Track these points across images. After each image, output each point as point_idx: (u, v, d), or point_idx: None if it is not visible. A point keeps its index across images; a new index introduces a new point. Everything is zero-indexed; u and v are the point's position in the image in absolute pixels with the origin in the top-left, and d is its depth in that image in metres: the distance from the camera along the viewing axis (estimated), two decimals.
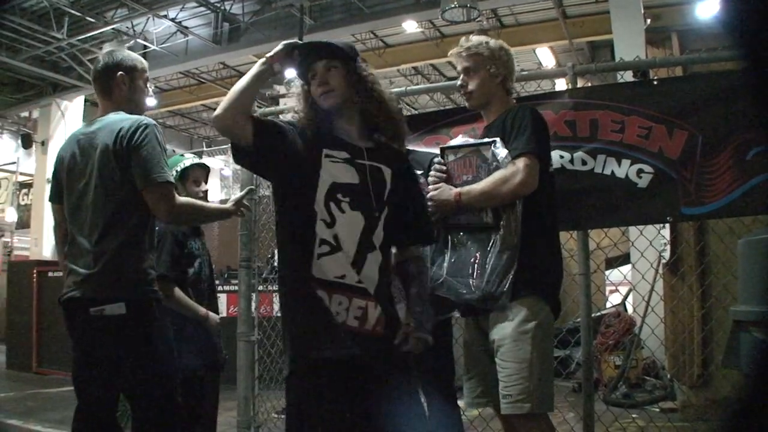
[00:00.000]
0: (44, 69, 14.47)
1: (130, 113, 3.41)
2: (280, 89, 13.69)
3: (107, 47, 12.77)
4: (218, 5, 12.69)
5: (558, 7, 13.42)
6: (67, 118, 15.83)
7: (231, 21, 13.06)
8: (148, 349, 3.17)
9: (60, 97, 15.65)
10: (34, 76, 15.18)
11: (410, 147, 3.57)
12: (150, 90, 3.67)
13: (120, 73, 3.44)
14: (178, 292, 4.02)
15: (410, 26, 13.53)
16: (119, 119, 3.31)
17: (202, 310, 4.14)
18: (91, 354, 3.23)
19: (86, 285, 3.17)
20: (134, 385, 3.24)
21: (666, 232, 6.35)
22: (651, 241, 4.89)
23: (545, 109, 4.07)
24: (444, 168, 3.34)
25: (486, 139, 3.28)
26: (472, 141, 3.42)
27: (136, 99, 3.53)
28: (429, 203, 3.19)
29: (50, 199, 3.58)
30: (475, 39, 3.53)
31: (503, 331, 3.12)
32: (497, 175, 3.12)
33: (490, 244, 3.16)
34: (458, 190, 3.20)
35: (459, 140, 3.47)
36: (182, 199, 3.43)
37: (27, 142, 16.99)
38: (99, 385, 3.23)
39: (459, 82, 3.51)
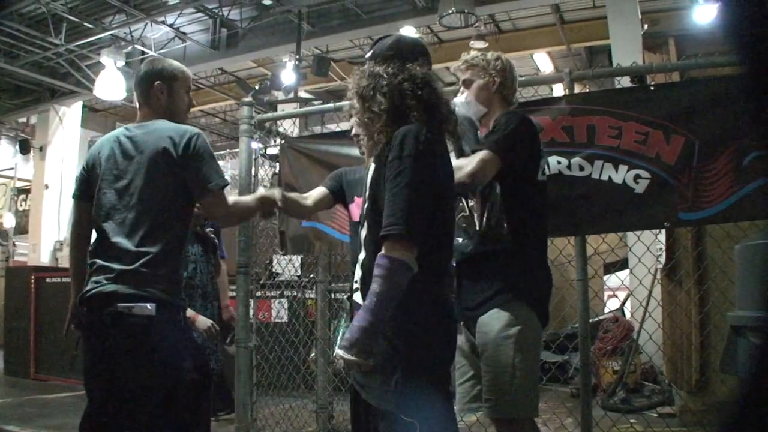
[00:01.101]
0: (42, 75, 14.45)
1: (170, 120, 3.45)
2: (278, 95, 13.68)
3: (105, 53, 12.79)
4: (216, 11, 12.68)
5: (555, 12, 13.43)
6: (65, 124, 15.83)
7: (229, 27, 13.05)
8: (167, 354, 3.13)
9: (58, 103, 15.63)
10: (31, 82, 15.16)
11: None
12: (188, 98, 3.67)
13: (158, 82, 3.47)
14: None
15: (408, 32, 13.50)
16: (169, 127, 3.35)
17: (189, 312, 4.14)
18: (109, 352, 3.15)
19: (120, 280, 3.12)
20: (141, 388, 3.13)
21: (663, 237, 6.36)
22: (648, 246, 4.90)
23: (543, 115, 4.08)
24: None
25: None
26: None
27: (174, 108, 3.54)
28: None
29: (74, 196, 3.57)
30: (473, 52, 3.60)
31: (486, 336, 3.13)
32: (454, 163, 3.03)
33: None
34: None
35: None
36: (230, 199, 3.53)
37: (25, 148, 16.97)
38: (110, 386, 3.16)
39: (459, 94, 3.54)
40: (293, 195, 3.92)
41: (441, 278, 2.64)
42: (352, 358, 2.41)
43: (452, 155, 3.07)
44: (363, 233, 2.73)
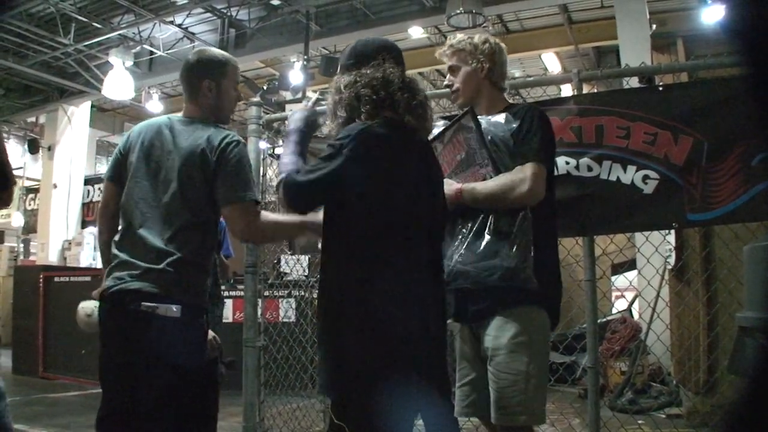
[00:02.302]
0: (51, 74, 14.49)
1: (216, 117, 3.43)
2: (286, 95, 13.69)
3: (113, 52, 12.82)
4: (224, 11, 12.70)
5: (563, 12, 13.42)
6: (74, 124, 15.86)
7: (237, 27, 13.06)
8: (188, 357, 3.10)
9: (66, 103, 15.66)
10: (40, 82, 15.21)
11: None
12: (236, 92, 3.58)
13: (207, 81, 3.41)
14: None
15: (416, 32, 13.53)
16: (210, 128, 3.29)
17: None
18: (129, 350, 3.07)
19: (146, 278, 3.06)
20: (159, 388, 3.06)
21: (671, 238, 6.35)
22: (657, 247, 4.89)
23: (551, 115, 4.07)
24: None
25: (460, 113, 3.23)
26: (448, 122, 3.32)
27: (222, 105, 3.47)
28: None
29: (107, 177, 3.49)
30: (459, 36, 3.46)
31: (499, 340, 3.04)
32: (504, 180, 3.02)
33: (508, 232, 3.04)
34: (460, 186, 3.10)
35: (439, 126, 3.30)
36: (269, 217, 3.33)
37: (33, 147, 17.03)
38: (127, 384, 3.07)
39: (446, 82, 3.47)
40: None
41: (373, 271, 2.61)
42: None
43: (488, 169, 3.07)
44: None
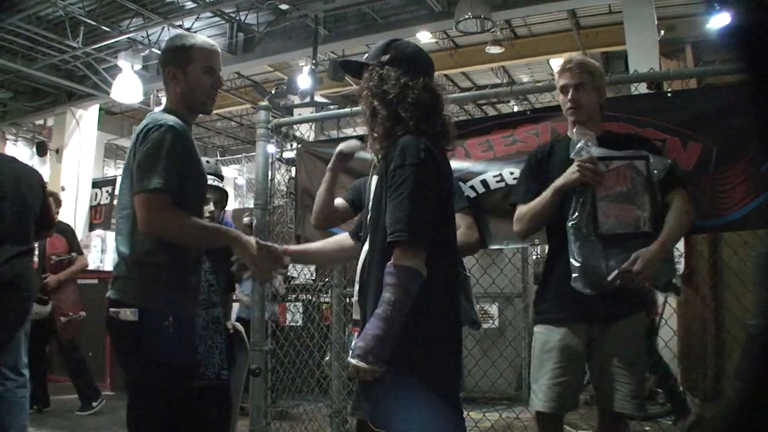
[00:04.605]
0: (59, 77, 14.54)
1: (188, 106, 3.28)
2: (295, 99, 13.71)
3: (122, 56, 12.87)
4: (233, 15, 12.73)
5: (572, 17, 13.42)
6: (82, 127, 15.89)
7: (246, 31, 13.09)
8: (146, 365, 3.09)
9: (75, 106, 15.69)
10: (49, 85, 15.25)
11: None
12: (210, 77, 3.30)
13: (169, 68, 3.25)
14: None
15: (424, 37, 13.54)
16: (152, 117, 3.14)
17: None
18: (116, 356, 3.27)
19: (113, 285, 3.13)
20: (133, 388, 3.22)
21: (679, 244, 6.33)
22: None
23: (560, 121, 4.07)
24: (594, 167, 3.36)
25: (640, 153, 3.42)
26: (619, 153, 3.46)
27: (191, 93, 3.26)
28: (639, 274, 3.22)
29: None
30: (575, 55, 3.75)
31: (629, 341, 3.36)
32: (681, 209, 3.37)
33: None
34: (660, 240, 3.28)
35: (599, 150, 3.43)
36: (191, 220, 3.07)
37: (42, 151, 17.05)
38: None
39: (570, 97, 3.56)
40: (308, 246, 3.87)
41: (451, 284, 2.66)
42: (367, 366, 2.44)
43: (645, 216, 3.34)
44: (365, 245, 2.77)
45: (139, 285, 3.09)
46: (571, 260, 3.33)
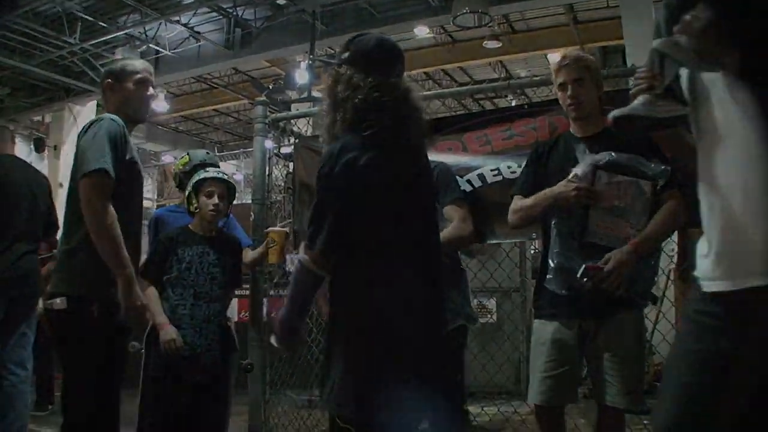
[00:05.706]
0: (57, 73, 14.52)
1: (131, 120, 3.52)
2: (292, 94, 13.69)
3: (119, 52, 12.84)
4: (230, 11, 12.71)
5: (569, 12, 13.41)
6: (80, 123, 15.81)
7: (243, 26, 13.08)
8: (77, 351, 3.27)
9: (72, 102, 15.70)
10: (46, 81, 15.23)
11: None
12: (152, 92, 3.62)
13: (108, 80, 3.55)
14: (149, 293, 4.04)
15: (421, 31, 13.54)
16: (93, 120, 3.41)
17: (159, 318, 4.05)
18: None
19: (53, 278, 3.37)
20: (68, 373, 3.41)
21: (675, 237, 6.32)
22: (663, 247, 4.87)
23: (558, 116, 4.08)
24: (592, 188, 3.28)
25: (650, 173, 3.31)
26: (627, 164, 3.34)
27: (126, 104, 3.52)
28: (610, 274, 3.18)
29: None
30: (573, 50, 3.67)
31: (624, 335, 3.36)
32: (668, 210, 3.31)
33: None
34: (634, 241, 3.24)
35: (606, 155, 3.33)
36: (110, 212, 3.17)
37: (40, 147, 17.03)
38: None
39: (570, 93, 3.51)
40: None
41: (375, 285, 2.62)
42: (278, 345, 2.83)
43: (634, 233, 3.28)
44: None
45: (68, 275, 3.28)
46: (549, 260, 3.34)
